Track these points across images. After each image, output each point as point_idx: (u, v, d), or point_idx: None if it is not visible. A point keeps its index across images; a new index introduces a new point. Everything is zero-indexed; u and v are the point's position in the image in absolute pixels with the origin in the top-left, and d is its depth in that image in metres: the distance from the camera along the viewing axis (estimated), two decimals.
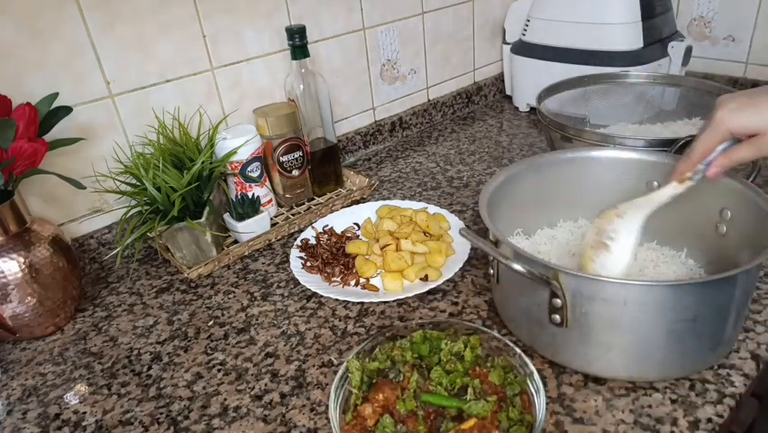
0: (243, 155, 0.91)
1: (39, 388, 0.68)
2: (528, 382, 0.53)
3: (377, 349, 0.59)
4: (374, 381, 0.56)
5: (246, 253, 0.90)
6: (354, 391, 0.54)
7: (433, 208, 0.94)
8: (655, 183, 0.74)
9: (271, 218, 0.97)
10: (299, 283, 0.80)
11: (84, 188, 0.77)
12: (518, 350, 0.55)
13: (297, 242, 0.89)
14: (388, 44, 1.21)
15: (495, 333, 0.58)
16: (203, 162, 0.83)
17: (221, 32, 0.95)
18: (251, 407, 0.62)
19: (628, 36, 1.13)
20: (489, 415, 0.50)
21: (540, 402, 0.51)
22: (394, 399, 0.53)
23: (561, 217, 0.81)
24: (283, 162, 0.97)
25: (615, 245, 0.64)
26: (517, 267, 0.56)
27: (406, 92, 1.30)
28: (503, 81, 1.47)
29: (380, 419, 0.51)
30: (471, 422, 0.50)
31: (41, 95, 0.75)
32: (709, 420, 0.55)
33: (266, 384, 0.65)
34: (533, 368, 0.53)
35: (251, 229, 0.89)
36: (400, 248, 0.82)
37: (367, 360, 0.57)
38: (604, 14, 1.14)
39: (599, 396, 0.58)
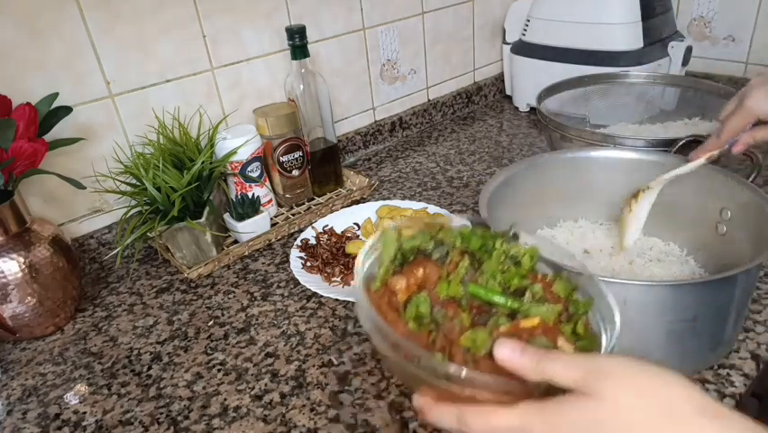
0: (243, 155, 0.91)
1: (39, 388, 0.68)
2: (599, 305, 0.41)
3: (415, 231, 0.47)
4: (411, 259, 0.45)
5: (246, 253, 0.90)
6: (386, 262, 0.44)
7: (433, 208, 0.94)
8: None
9: (271, 218, 0.97)
10: (299, 283, 0.80)
11: (84, 188, 0.77)
12: (591, 271, 0.44)
13: (297, 242, 0.89)
14: (388, 44, 1.21)
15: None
16: (203, 162, 0.83)
17: (221, 32, 0.95)
18: (251, 407, 0.62)
19: (628, 36, 1.13)
20: (553, 323, 0.40)
21: (613, 328, 0.39)
22: (435, 279, 0.43)
23: (561, 217, 0.81)
24: (283, 162, 0.97)
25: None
26: None
27: (406, 92, 1.30)
28: (503, 81, 1.47)
29: (414, 296, 0.42)
30: (535, 321, 0.40)
31: (41, 95, 0.75)
32: None
33: (266, 384, 0.65)
34: (606, 291, 0.41)
35: (251, 229, 0.89)
36: None
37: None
38: (604, 14, 1.14)
39: None
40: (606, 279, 0.55)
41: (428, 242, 0.46)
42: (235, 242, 0.92)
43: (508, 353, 0.34)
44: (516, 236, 0.47)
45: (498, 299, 0.41)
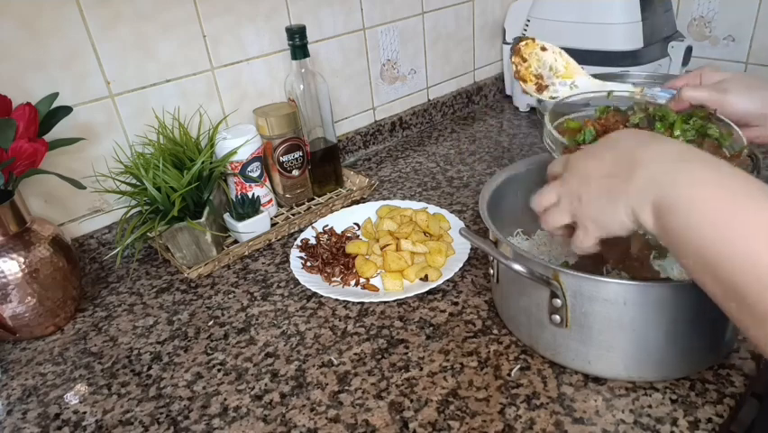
0: (243, 155, 0.91)
1: (39, 388, 0.68)
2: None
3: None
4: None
5: (246, 253, 0.90)
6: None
7: (433, 208, 0.94)
8: None
9: (271, 218, 0.97)
10: (299, 283, 0.80)
11: (84, 188, 0.77)
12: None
13: (297, 242, 0.89)
14: (388, 44, 1.21)
15: None
16: (203, 162, 0.83)
17: (221, 32, 0.95)
18: (251, 407, 0.62)
19: (628, 36, 1.13)
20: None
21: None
22: (613, 122, 0.59)
23: None
24: (283, 162, 0.97)
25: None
26: (517, 267, 0.56)
27: (406, 92, 1.30)
28: (503, 81, 1.47)
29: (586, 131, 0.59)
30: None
31: (41, 95, 0.75)
32: (709, 420, 0.55)
33: (266, 384, 0.65)
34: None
35: (251, 229, 0.89)
36: (400, 248, 0.82)
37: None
38: (604, 14, 1.14)
39: (599, 396, 0.58)
40: (606, 279, 0.55)
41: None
42: (235, 242, 0.92)
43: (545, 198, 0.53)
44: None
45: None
